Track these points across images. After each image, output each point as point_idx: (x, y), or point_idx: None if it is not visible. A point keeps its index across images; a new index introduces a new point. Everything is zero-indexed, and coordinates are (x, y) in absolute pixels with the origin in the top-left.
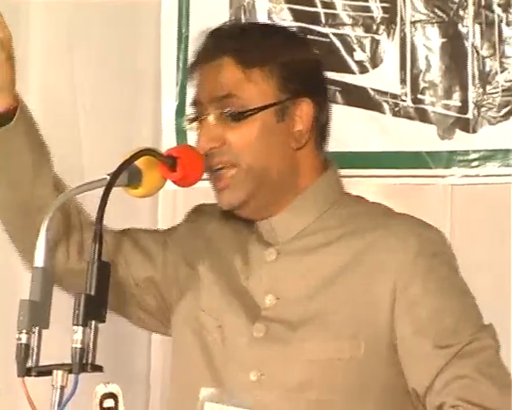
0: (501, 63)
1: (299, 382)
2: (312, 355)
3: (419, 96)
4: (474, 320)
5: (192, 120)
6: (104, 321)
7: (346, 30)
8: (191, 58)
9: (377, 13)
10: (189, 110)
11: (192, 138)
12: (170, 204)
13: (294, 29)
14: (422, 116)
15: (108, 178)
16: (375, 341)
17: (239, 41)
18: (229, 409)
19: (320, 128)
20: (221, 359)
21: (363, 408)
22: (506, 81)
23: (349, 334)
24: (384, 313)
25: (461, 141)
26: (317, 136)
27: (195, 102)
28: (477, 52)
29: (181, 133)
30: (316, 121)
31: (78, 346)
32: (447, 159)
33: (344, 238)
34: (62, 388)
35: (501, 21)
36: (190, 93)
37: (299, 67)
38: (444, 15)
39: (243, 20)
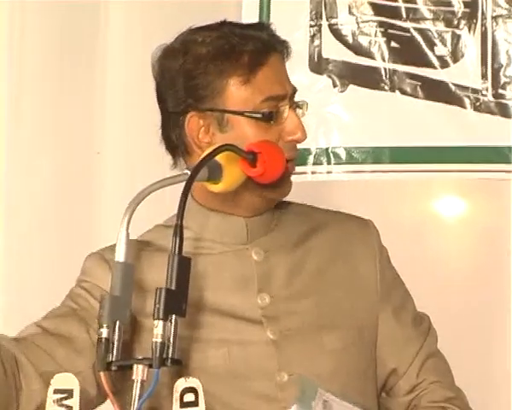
0: None
1: (325, 373)
2: (331, 346)
3: (500, 90)
4: None
5: (270, 114)
6: (184, 315)
7: (427, 24)
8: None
9: (458, 7)
10: (264, 104)
11: None
12: None
13: None
14: (503, 111)
15: (189, 173)
16: (371, 326)
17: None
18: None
19: None
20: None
21: (367, 389)
22: None
23: (354, 322)
24: (373, 300)
25: None
26: None
27: (279, 96)
28: None
29: None
30: None
31: (159, 340)
32: None
33: (312, 235)
34: (143, 382)
35: None
36: None
37: None
38: None
39: (324, 15)
